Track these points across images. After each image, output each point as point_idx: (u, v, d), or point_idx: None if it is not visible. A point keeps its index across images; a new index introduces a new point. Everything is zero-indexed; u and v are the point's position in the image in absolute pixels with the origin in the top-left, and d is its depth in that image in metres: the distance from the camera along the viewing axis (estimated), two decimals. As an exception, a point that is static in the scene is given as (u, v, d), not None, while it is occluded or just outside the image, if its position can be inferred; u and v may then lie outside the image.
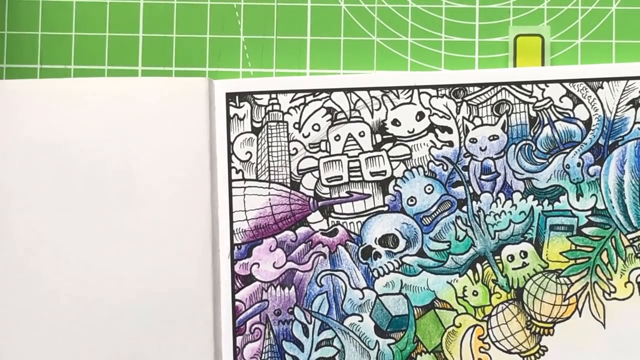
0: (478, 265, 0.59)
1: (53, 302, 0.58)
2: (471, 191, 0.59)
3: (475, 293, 0.59)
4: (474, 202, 0.59)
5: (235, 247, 0.59)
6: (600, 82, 0.59)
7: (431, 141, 0.59)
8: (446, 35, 0.61)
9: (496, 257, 0.59)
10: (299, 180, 0.59)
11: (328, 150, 0.60)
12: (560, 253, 0.58)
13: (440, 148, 0.59)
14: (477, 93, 0.59)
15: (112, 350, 0.58)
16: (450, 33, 0.61)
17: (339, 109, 0.60)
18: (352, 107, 0.59)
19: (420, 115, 0.59)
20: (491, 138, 0.59)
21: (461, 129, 0.59)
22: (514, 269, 0.58)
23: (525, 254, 0.58)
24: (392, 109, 0.59)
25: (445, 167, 0.59)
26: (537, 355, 0.58)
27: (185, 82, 0.59)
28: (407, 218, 0.59)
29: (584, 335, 0.58)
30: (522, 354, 0.58)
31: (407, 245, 0.59)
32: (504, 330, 0.58)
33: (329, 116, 0.60)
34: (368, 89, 0.59)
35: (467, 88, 0.59)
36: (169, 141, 0.59)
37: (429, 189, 0.59)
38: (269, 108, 0.60)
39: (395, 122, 0.59)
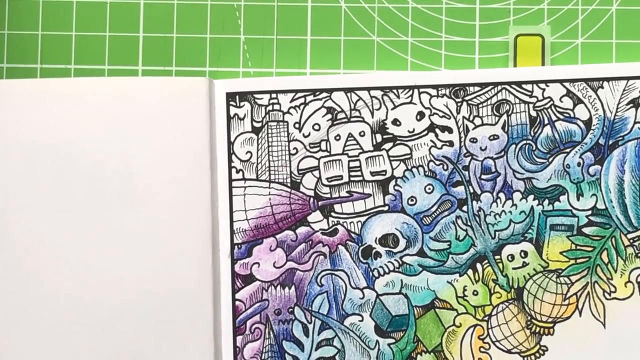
0: (478, 265, 0.58)
1: (53, 302, 0.58)
2: (471, 191, 0.59)
3: (475, 293, 0.59)
4: (474, 202, 0.59)
5: (236, 246, 0.59)
6: (601, 82, 0.59)
7: (431, 141, 0.59)
8: (446, 35, 0.61)
9: (496, 257, 0.58)
10: (299, 180, 0.59)
11: (328, 150, 0.59)
12: (561, 253, 0.58)
13: (441, 148, 0.59)
14: (477, 93, 0.59)
15: (112, 350, 0.58)
16: (451, 33, 0.61)
17: (339, 109, 0.60)
18: (352, 107, 0.59)
19: (420, 115, 0.59)
20: (491, 138, 0.59)
21: (461, 129, 0.59)
22: (514, 268, 0.58)
23: (526, 253, 0.58)
24: (392, 109, 0.59)
25: (445, 167, 0.59)
26: (537, 355, 0.58)
27: (185, 81, 0.59)
28: (407, 218, 0.59)
29: (584, 335, 0.58)
30: (522, 354, 0.58)
31: (408, 245, 0.59)
32: (504, 330, 0.58)
33: (329, 116, 0.60)
34: (368, 89, 0.59)
35: (467, 88, 0.59)
36: (169, 141, 0.59)
37: (429, 188, 0.59)
38: (269, 108, 0.60)
39: (396, 122, 0.59)
